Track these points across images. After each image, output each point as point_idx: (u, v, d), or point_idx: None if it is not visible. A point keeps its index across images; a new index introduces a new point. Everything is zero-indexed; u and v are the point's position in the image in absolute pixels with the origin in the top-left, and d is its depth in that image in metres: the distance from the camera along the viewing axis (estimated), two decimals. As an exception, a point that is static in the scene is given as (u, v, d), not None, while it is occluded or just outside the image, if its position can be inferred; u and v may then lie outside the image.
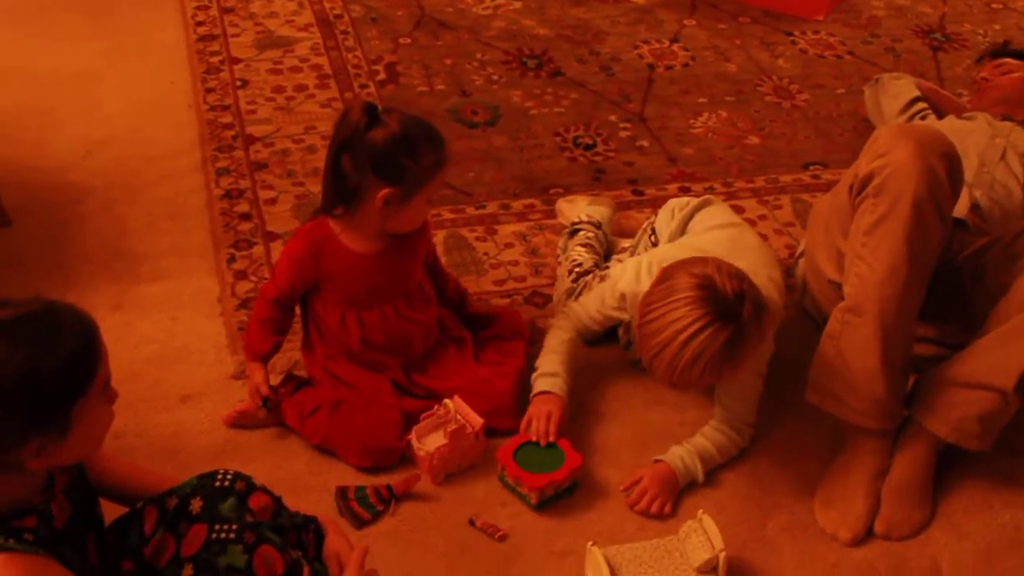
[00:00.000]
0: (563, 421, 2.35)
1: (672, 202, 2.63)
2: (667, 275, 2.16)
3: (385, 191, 2.24)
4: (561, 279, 2.71)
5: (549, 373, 2.40)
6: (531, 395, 2.40)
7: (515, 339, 2.54)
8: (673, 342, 2.07)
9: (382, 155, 2.22)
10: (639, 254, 2.59)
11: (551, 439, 2.31)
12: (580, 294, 2.62)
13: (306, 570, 1.80)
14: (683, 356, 2.06)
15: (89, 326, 1.60)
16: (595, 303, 2.45)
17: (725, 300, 2.08)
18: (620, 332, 2.59)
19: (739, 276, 2.13)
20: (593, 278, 2.64)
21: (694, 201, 2.58)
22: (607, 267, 2.68)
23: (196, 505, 1.75)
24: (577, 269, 2.69)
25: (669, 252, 2.38)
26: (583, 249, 2.76)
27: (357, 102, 2.23)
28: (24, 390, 1.51)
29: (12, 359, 1.50)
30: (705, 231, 2.48)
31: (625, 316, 2.42)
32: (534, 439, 2.31)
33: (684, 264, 2.17)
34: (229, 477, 1.79)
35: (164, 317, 2.65)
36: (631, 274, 2.36)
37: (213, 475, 1.80)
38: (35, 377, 1.51)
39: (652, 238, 2.60)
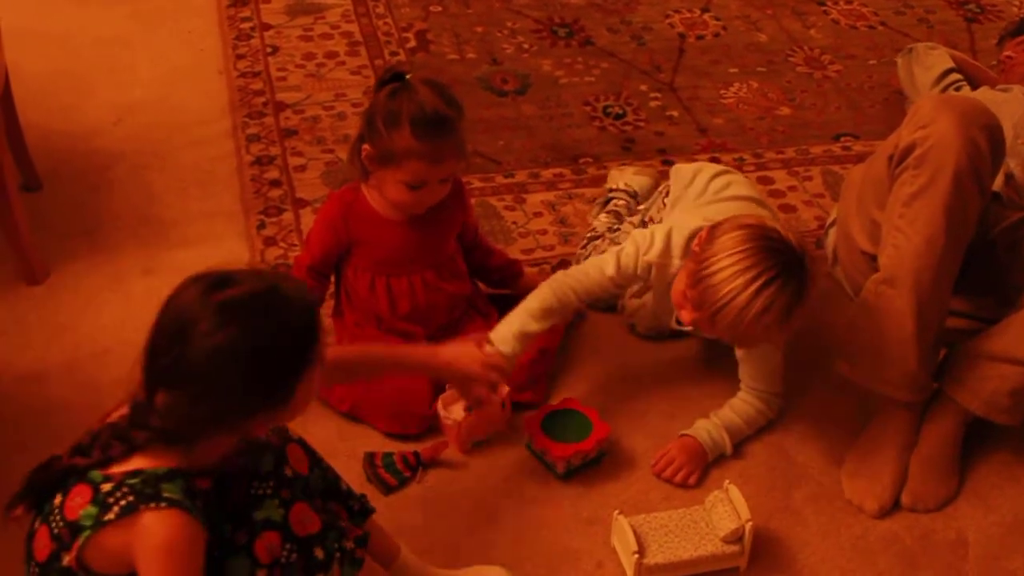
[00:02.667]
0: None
1: (686, 166, 2.60)
2: (729, 228, 2.14)
3: (366, 146, 2.26)
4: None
5: (507, 337, 2.28)
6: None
7: None
8: (743, 292, 2.05)
9: (372, 108, 2.25)
10: (651, 218, 2.57)
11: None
12: (586, 260, 2.60)
13: (349, 538, 1.81)
14: (753, 307, 2.04)
15: (311, 300, 1.66)
16: (611, 268, 2.35)
17: (790, 250, 2.08)
18: (619, 304, 2.59)
19: (792, 229, 2.13)
20: (603, 242, 2.63)
21: (716, 166, 2.57)
22: (618, 228, 2.67)
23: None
24: (590, 234, 2.69)
25: (694, 219, 2.35)
26: (605, 216, 2.75)
27: (397, 63, 2.23)
28: (258, 369, 1.55)
29: (248, 341, 1.53)
30: (731, 199, 2.45)
31: (639, 283, 2.40)
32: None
33: (746, 217, 2.16)
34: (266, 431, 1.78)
35: (193, 283, 2.66)
36: (660, 245, 2.34)
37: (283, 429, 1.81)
38: (269, 354, 1.55)
39: (665, 200, 2.57)
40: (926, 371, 2.28)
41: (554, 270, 2.73)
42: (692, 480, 2.29)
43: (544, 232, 2.89)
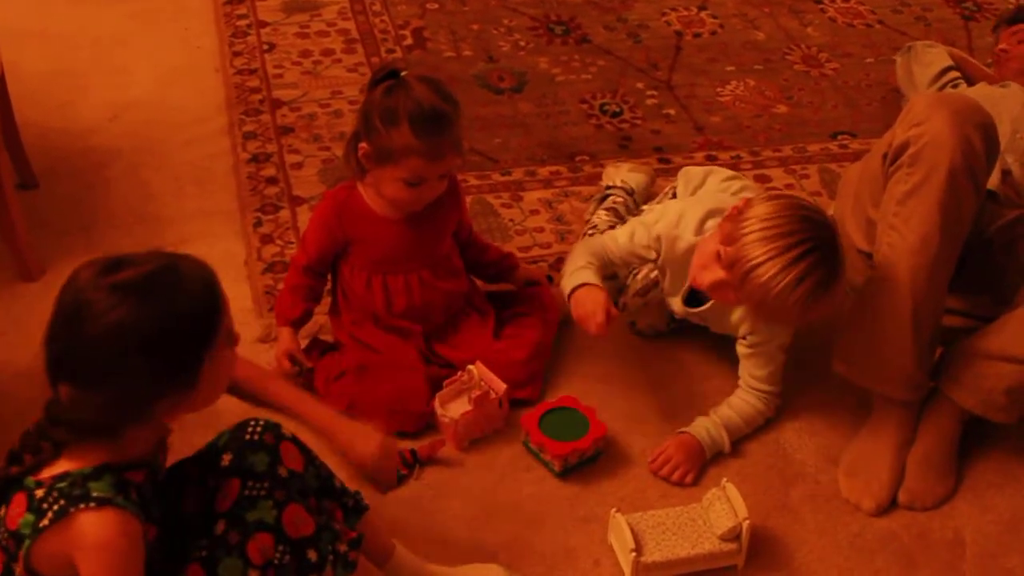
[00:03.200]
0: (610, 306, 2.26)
1: (696, 169, 2.61)
2: (774, 196, 2.17)
3: (363, 144, 2.25)
4: None
5: (580, 268, 2.32)
6: (567, 293, 2.31)
7: (535, 314, 2.53)
8: (781, 256, 2.06)
9: (368, 106, 2.24)
10: None
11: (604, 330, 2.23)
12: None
13: (343, 541, 1.81)
14: (788, 274, 2.06)
15: (210, 276, 1.62)
16: (624, 237, 2.39)
17: (829, 229, 2.11)
18: (620, 302, 2.59)
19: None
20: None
21: (727, 171, 2.60)
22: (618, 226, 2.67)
23: (226, 459, 1.75)
24: (591, 231, 2.69)
25: (710, 202, 2.37)
26: (604, 213, 2.75)
27: (391, 60, 2.23)
28: (157, 348, 1.52)
29: (143, 320, 1.51)
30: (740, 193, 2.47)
31: (651, 256, 2.40)
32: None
33: (784, 194, 2.18)
34: (259, 429, 1.78)
35: (190, 280, 2.66)
36: (671, 218, 2.34)
37: (244, 426, 1.79)
38: (166, 334, 1.53)
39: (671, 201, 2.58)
40: (922, 370, 2.28)
41: (551, 268, 2.74)
42: (689, 479, 2.29)
43: (541, 230, 2.89)
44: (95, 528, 1.52)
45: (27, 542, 1.53)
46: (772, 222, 2.09)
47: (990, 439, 2.41)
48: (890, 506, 2.28)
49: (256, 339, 2.51)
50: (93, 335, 1.50)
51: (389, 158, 2.23)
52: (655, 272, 2.40)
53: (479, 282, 2.60)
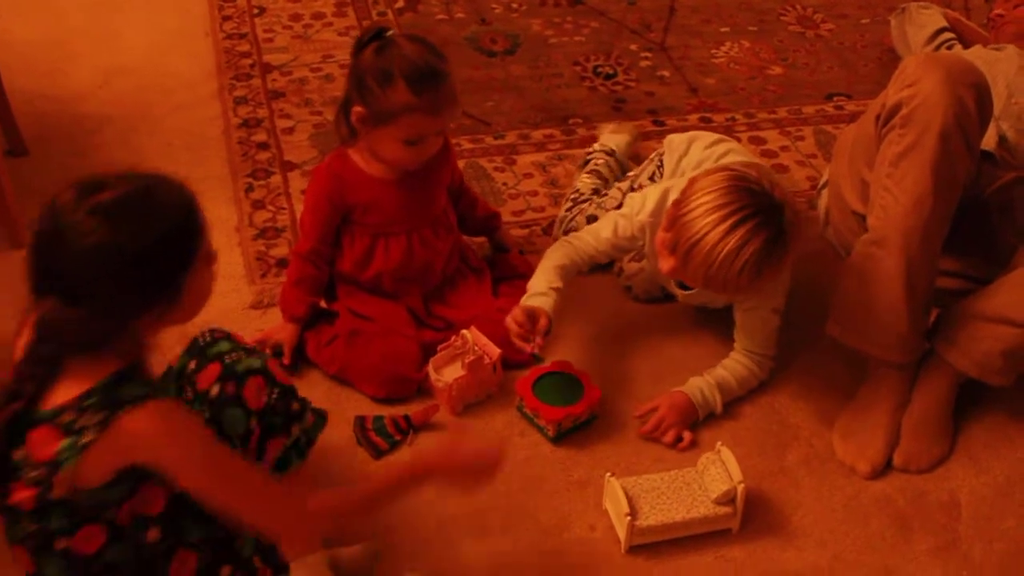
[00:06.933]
0: (547, 331, 2.26)
1: (679, 136, 2.59)
2: (710, 171, 2.14)
3: (357, 108, 2.24)
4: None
5: (539, 293, 2.31)
6: None
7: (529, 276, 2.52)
8: (715, 229, 2.04)
9: (359, 70, 2.23)
10: (641, 185, 2.56)
11: (534, 347, 2.23)
12: (572, 222, 2.62)
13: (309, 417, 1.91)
14: (724, 246, 2.04)
15: (188, 197, 1.64)
16: (606, 231, 2.38)
17: (769, 197, 2.07)
18: (616, 267, 2.58)
19: (781, 186, 2.12)
20: (589, 205, 2.62)
21: (711, 135, 2.56)
22: (606, 194, 2.66)
23: (192, 364, 1.82)
24: (574, 196, 2.68)
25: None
26: (587, 176, 2.74)
27: (376, 23, 2.22)
28: (138, 268, 1.56)
29: (123, 240, 1.54)
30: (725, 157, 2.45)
31: (638, 246, 2.40)
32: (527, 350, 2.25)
33: (727, 166, 2.16)
34: (207, 333, 1.85)
35: (181, 247, 2.64)
36: (652, 204, 2.33)
37: (194, 340, 1.85)
38: (147, 254, 1.56)
39: (660, 170, 2.56)
40: (917, 332, 2.28)
41: (544, 231, 2.73)
42: (685, 439, 2.28)
43: (535, 193, 2.87)
44: (147, 423, 1.56)
45: (70, 462, 1.54)
46: (706, 197, 2.08)
47: (985, 401, 2.41)
48: (885, 469, 2.28)
49: (248, 306, 2.50)
50: (75, 256, 1.54)
51: (387, 119, 2.22)
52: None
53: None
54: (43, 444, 1.56)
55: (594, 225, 2.43)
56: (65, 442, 1.54)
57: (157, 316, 1.62)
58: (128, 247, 1.54)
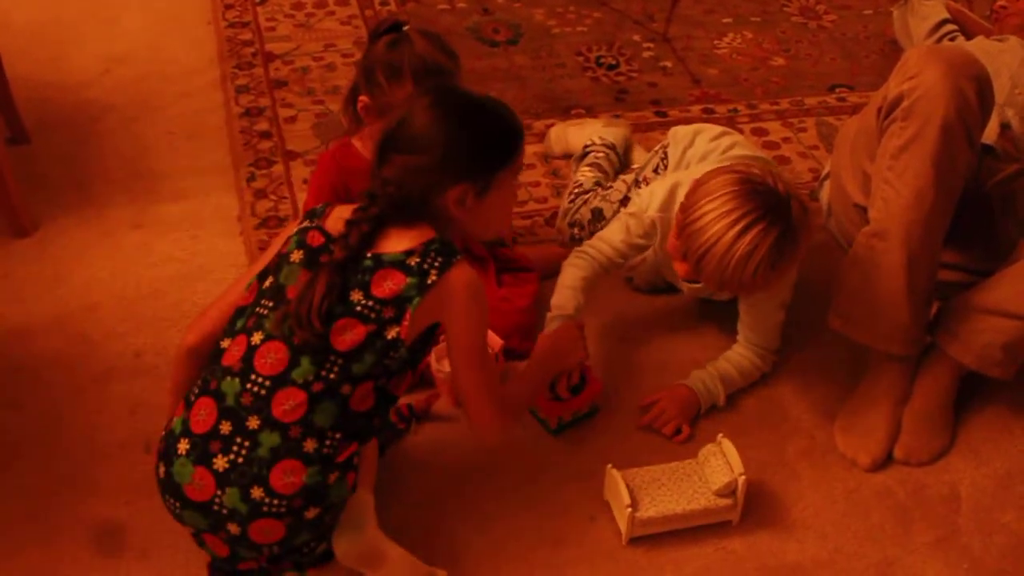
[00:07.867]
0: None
1: (683, 128, 2.59)
2: (713, 174, 2.13)
3: (363, 98, 2.25)
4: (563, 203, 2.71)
5: (563, 315, 2.32)
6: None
7: (531, 270, 2.54)
8: (725, 235, 2.04)
9: (370, 61, 2.24)
10: (646, 178, 2.56)
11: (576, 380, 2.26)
12: (576, 213, 2.62)
13: None
14: (736, 251, 2.03)
15: (519, 122, 1.95)
16: (619, 234, 2.38)
17: (775, 195, 2.07)
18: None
19: (785, 180, 2.11)
20: (593, 196, 2.62)
21: (716, 127, 2.56)
22: (610, 186, 2.65)
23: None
24: (577, 189, 2.68)
25: (699, 170, 2.34)
26: (588, 169, 2.74)
27: (392, 14, 2.23)
28: (473, 135, 1.87)
29: (467, 114, 1.88)
30: (738, 158, 2.44)
31: (651, 243, 2.40)
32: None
33: (730, 166, 2.15)
34: None
35: (184, 236, 2.65)
36: (660, 199, 2.33)
37: None
38: (482, 129, 1.88)
39: (664, 162, 2.56)
40: (918, 325, 2.28)
41: (547, 223, 2.73)
42: (683, 431, 2.28)
43: (537, 184, 2.87)
44: (466, 278, 1.84)
45: (416, 299, 1.79)
46: (712, 204, 2.07)
47: (986, 394, 2.41)
48: (886, 461, 2.28)
49: (250, 295, 2.50)
50: (427, 117, 1.84)
51: (391, 112, 2.22)
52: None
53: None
54: (387, 282, 1.79)
55: (604, 231, 2.43)
56: (411, 280, 1.78)
57: (461, 200, 1.85)
58: (470, 120, 1.87)
